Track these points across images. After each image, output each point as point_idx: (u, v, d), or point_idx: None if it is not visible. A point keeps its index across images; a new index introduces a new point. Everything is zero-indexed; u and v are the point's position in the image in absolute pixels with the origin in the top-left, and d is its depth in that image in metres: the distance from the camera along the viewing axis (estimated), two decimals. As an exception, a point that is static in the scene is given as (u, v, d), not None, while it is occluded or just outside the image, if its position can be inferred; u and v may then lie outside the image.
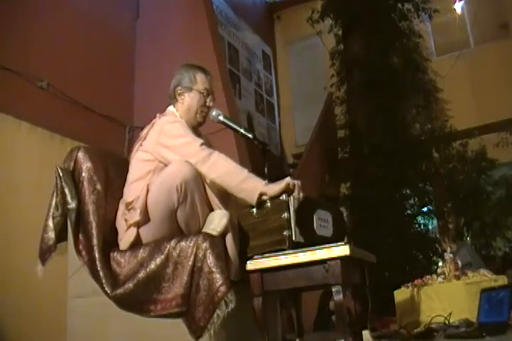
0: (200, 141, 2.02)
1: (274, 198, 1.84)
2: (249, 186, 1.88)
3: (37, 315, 3.69)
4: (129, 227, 1.96)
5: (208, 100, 2.20)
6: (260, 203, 1.87)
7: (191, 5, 5.96)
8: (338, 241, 1.71)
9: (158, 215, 1.91)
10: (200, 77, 2.20)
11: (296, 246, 1.75)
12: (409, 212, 6.34)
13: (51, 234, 2.04)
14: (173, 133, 2.04)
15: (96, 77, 5.15)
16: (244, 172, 1.92)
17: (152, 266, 1.84)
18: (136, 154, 2.12)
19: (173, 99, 2.22)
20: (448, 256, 3.27)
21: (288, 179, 1.87)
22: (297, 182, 1.88)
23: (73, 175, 2.10)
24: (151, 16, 6.14)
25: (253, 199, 1.87)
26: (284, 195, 1.81)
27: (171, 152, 2.00)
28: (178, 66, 2.28)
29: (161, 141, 2.04)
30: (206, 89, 2.20)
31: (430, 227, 6.54)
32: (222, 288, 1.70)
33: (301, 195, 1.86)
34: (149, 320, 1.82)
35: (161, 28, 5.93)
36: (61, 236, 2.05)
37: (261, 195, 1.87)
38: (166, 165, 1.99)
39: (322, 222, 1.88)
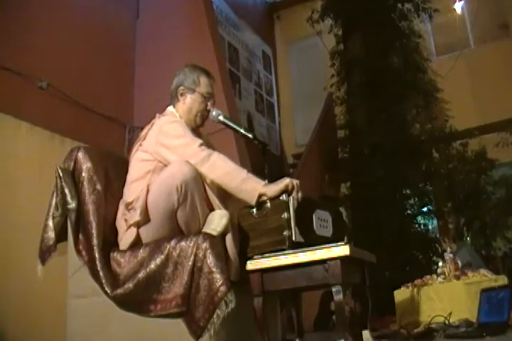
0: (200, 141, 2.02)
1: (274, 199, 1.84)
2: (249, 187, 1.88)
3: (37, 315, 3.69)
4: (129, 227, 1.96)
5: (209, 104, 2.20)
6: (260, 203, 1.87)
7: (191, 5, 5.96)
8: (338, 241, 1.71)
9: (158, 215, 1.91)
10: (203, 80, 2.21)
11: (296, 246, 1.75)
12: (409, 212, 6.34)
13: (51, 234, 2.04)
14: (172, 133, 2.04)
15: (96, 77, 5.15)
16: (243, 174, 1.92)
17: (152, 266, 1.84)
18: (136, 154, 2.12)
19: (174, 99, 2.22)
20: (448, 256, 3.28)
21: (287, 179, 1.87)
22: (296, 182, 1.88)
23: (73, 175, 2.10)
24: (151, 16, 6.13)
25: (253, 200, 1.87)
26: (283, 195, 1.81)
27: (170, 152, 2.00)
28: (178, 66, 2.28)
29: (161, 141, 2.04)
30: (209, 93, 2.20)
31: (430, 227, 6.54)
32: (222, 288, 1.70)
33: (300, 195, 1.86)
34: (149, 320, 1.82)
35: (161, 27, 5.93)
36: (61, 236, 2.05)
37: (260, 195, 1.87)
38: (165, 165, 1.99)
39: (322, 221, 1.88)
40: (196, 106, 2.18)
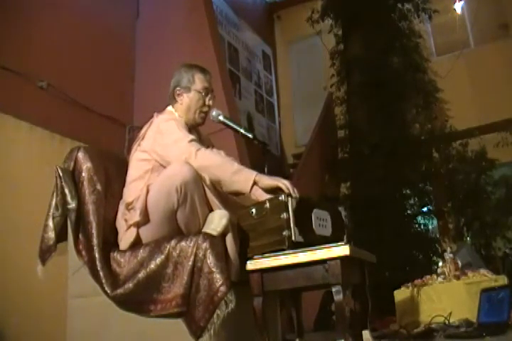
0: (191, 137, 2.03)
1: (273, 199, 1.83)
2: (242, 177, 1.92)
3: (37, 315, 3.69)
4: (129, 227, 1.96)
5: (207, 99, 2.20)
6: (259, 203, 1.87)
7: (191, 4, 5.96)
8: (337, 241, 1.71)
9: (158, 216, 1.91)
10: (198, 77, 2.21)
11: (295, 246, 1.75)
12: (409, 212, 6.34)
13: (51, 234, 2.04)
14: (167, 130, 2.06)
15: (96, 77, 5.15)
16: (234, 165, 1.95)
17: (152, 266, 1.84)
18: (135, 154, 2.13)
19: (172, 100, 2.23)
20: (448, 256, 3.27)
21: (283, 180, 1.90)
22: (291, 186, 1.90)
23: (73, 175, 2.10)
24: (151, 16, 6.14)
25: (247, 189, 1.90)
26: (282, 196, 1.81)
27: (164, 149, 2.03)
28: (178, 66, 2.29)
29: (157, 140, 2.06)
30: (205, 88, 2.20)
31: (430, 227, 6.54)
32: (222, 288, 1.70)
33: (297, 195, 1.87)
34: (149, 320, 1.82)
35: (161, 27, 5.93)
36: (61, 236, 2.05)
37: (254, 183, 1.90)
38: (161, 165, 2.00)
39: (321, 221, 1.87)
40: (194, 103, 2.19)
